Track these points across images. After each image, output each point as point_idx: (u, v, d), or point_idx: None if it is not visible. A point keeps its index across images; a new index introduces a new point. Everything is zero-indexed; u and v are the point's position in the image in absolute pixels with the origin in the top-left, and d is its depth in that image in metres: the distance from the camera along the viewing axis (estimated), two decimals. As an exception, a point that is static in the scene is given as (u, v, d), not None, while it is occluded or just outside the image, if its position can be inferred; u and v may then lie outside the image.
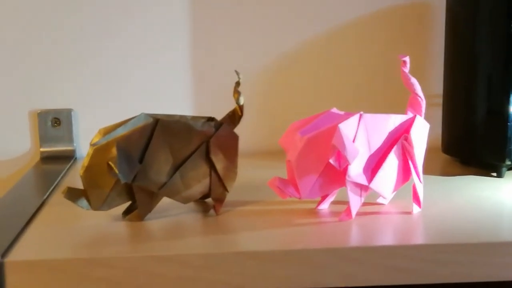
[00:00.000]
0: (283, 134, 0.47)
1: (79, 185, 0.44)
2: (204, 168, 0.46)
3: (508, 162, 0.57)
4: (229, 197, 0.48)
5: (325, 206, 0.49)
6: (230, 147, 0.47)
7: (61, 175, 0.62)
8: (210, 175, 0.46)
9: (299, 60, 0.75)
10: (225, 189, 0.47)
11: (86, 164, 0.43)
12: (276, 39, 0.75)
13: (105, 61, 0.73)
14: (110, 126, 0.44)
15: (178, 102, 0.75)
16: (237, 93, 0.48)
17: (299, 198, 0.45)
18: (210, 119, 0.48)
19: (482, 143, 0.59)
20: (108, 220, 0.46)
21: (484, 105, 0.59)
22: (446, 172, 0.63)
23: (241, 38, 0.74)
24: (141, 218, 0.45)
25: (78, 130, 0.74)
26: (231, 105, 0.49)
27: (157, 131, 0.44)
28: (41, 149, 0.72)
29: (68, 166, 0.67)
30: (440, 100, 0.67)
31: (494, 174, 0.59)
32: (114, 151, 0.42)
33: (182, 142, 0.45)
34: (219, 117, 0.49)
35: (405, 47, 0.75)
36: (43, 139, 0.72)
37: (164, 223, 0.45)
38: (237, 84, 0.48)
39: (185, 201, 0.46)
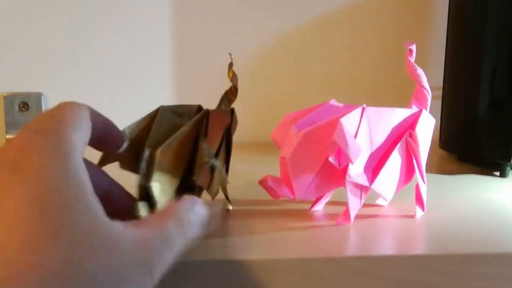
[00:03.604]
0: (275, 126, 0.43)
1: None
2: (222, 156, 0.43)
3: (513, 161, 0.54)
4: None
5: (319, 207, 0.45)
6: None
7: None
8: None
9: (291, 46, 0.71)
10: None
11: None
12: (268, 23, 0.70)
13: (79, 42, 0.68)
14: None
15: (157, 87, 0.70)
16: (231, 71, 0.44)
17: (293, 199, 0.41)
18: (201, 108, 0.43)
19: (484, 140, 0.55)
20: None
21: (488, 99, 0.55)
22: (444, 169, 0.59)
23: (229, 22, 0.69)
24: None
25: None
26: (214, 94, 0.45)
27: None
28: (7, 136, 0.67)
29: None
30: (439, 93, 0.63)
31: (497, 173, 0.56)
32: None
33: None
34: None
35: (403, 34, 0.71)
36: (10, 124, 0.67)
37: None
38: (231, 64, 0.44)
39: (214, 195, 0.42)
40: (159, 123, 0.39)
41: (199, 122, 0.40)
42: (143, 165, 0.36)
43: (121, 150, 0.37)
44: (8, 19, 0.66)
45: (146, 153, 0.36)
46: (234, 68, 0.45)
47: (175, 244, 0.28)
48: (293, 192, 0.40)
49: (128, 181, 0.38)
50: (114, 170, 0.39)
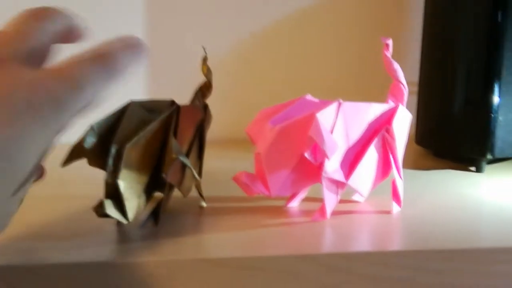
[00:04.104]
0: (250, 121, 0.42)
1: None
2: (195, 153, 0.42)
3: (489, 157, 0.53)
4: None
5: (295, 203, 0.44)
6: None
7: None
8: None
9: (268, 41, 0.70)
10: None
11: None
12: (244, 18, 0.69)
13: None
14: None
15: (129, 81, 0.69)
16: (205, 66, 0.43)
17: (268, 196, 0.40)
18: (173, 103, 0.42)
19: (460, 135, 0.55)
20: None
21: (464, 94, 0.55)
22: (420, 165, 0.59)
23: (204, 16, 0.68)
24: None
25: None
26: (188, 89, 0.44)
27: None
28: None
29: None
30: (415, 88, 0.63)
31: (473, 168, 0.56)
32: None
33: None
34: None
35: (380, 29, 0.71)
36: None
37: (111, 224, 0.39)
38: (205, 59, 0.43)
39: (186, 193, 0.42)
40: (128, 119, 0.37)
41: (169, 118, 0.39)
42: (109, 161, 0.35)
43: (89, 146, 0.36)
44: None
45: (113, 149, 0.35)
46: (209, 62, 0.44)
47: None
48: (268, 189, 0.39)
49: (97, 178, 0.37)
50: (82, 166, 0.37)
